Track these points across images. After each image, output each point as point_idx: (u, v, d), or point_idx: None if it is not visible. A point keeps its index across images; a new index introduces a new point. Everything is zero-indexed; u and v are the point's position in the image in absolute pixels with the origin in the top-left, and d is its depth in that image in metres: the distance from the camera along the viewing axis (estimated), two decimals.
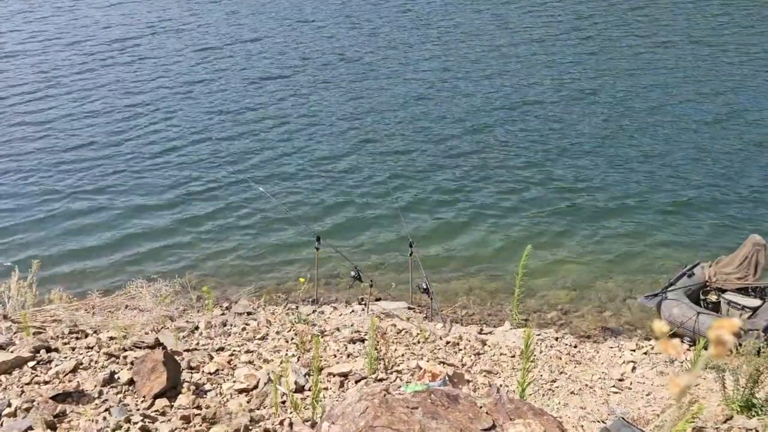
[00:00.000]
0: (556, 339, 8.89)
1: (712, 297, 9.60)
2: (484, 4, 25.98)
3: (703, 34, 22.22)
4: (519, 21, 24.22)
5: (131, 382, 5.74)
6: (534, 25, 23.83)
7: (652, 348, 8.63)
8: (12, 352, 6.07)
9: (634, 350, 8.57)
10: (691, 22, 23.45)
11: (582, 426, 6.41)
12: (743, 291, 9.49)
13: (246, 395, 6.03)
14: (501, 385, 6.73)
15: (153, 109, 17.70)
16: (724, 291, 9.56)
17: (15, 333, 6.81)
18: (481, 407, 3.61)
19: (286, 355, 7.11)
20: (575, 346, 8.67)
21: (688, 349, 8.46)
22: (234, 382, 6.26)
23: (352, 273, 9.38)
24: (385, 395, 3.45)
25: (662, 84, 18.51)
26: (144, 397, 5.56)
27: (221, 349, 7.20)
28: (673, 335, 8.79)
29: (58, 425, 4.89)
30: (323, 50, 21.28)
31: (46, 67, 20.62)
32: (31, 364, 5.94)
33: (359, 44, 21.78)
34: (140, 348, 6.65)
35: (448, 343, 8.18)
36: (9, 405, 5.04)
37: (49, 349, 6.32)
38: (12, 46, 22.86)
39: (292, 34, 22.69)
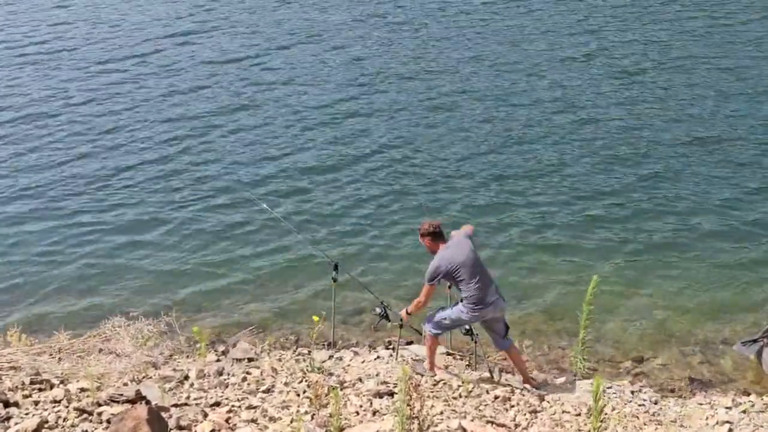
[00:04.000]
0: (632, 393, 8.76)
1: None
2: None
3: None
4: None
5: None
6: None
7: (753, 405, 8.47)
8: None
9: (729, 408, 8.41)
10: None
11: None
12: None
13: None
14: None
15: (137, 118, 17.99)
16: None
17: None
18: None
19: (298, 412, 7.03)
20: (656, 402, 8.54)
21: None
22: None
23: (378, 310, 9.28)
24: None
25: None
26: None
27: (217, 404, 7.13)
28: None
29: None
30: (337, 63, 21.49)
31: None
32: None
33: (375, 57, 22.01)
34: (118, 402, 6.61)
35: (497, 397, 8.06)
36: None
37: (6, 404, 6.31)
38: None
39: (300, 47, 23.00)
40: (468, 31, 22.86)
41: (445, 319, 8.47)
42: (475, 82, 19.19)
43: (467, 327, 8.84)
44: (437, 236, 8.35)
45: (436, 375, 8.65)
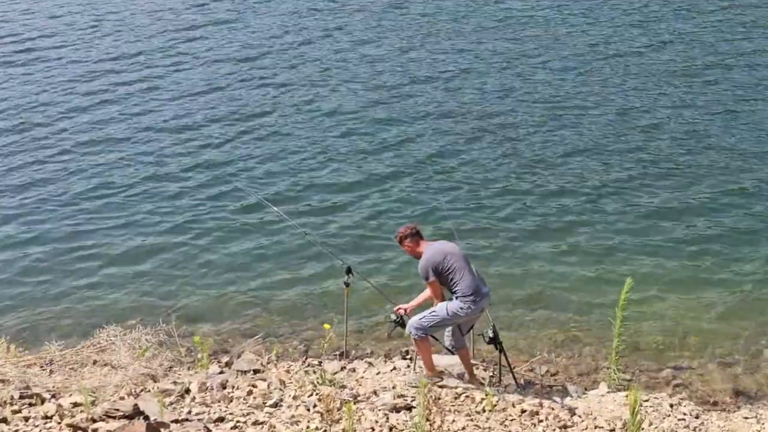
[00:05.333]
0: (671, 406, 8.69)
1: None
2: None
3: None
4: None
5: None
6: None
7: None
8: None
9: None
10: None
11: None
12: None
13: None
14: None
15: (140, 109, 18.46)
16: None
17: None
18: None
19: (308, 428, 7.02)
20: (697, 417, 8.47)
21: None
22: None
23: (393, 316, 9.24)
24: None
25: None
26: None
27: (221, 419, 7.14)
28: None
29: None
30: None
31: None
32: None
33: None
34: (114, 418, 6.61)
35: (523, 411, 8.03)
36: None
37: None
38: None
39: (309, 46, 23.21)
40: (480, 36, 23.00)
41: (437, 317, 8.49)
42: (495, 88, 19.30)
43: (491, 334, 8.80)
44: (416, 236, 8.61)
45: (441, 379, 8.70)
